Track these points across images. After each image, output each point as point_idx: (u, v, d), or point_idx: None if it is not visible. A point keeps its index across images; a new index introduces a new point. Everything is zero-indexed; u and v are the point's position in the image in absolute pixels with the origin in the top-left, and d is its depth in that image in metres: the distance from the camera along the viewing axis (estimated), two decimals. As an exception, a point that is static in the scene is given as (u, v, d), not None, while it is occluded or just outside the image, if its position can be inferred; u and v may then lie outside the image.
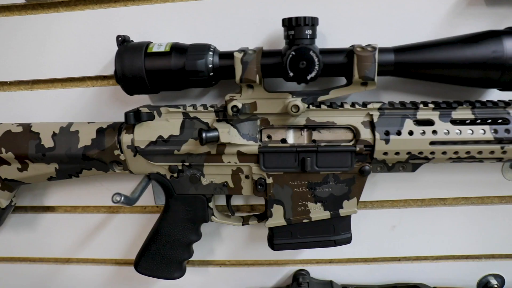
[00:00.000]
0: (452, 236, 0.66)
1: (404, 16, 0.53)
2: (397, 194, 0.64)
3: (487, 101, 0.50)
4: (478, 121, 0.50)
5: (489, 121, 0.50)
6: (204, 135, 0.48)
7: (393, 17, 0.53)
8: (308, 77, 0.46)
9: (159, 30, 0.56)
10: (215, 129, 0.49)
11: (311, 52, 0.45)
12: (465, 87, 0.52)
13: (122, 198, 0.48)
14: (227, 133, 0.49)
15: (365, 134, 0.49)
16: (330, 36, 0.54)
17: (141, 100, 0.59)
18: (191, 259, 0.62)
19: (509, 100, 0.50)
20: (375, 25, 0.54)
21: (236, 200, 0.65)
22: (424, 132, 0.48)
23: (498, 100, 0.50)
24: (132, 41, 0.53)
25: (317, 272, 0.68)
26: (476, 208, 0.64)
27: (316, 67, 0.45)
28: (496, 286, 0.67)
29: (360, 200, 0.63)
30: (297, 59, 0.45)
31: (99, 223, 0.68)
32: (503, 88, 0.49)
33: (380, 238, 0.66)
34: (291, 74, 0.46)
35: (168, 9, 0.56)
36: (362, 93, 0.56)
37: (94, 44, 0.58)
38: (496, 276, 0.68)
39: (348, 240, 0.56)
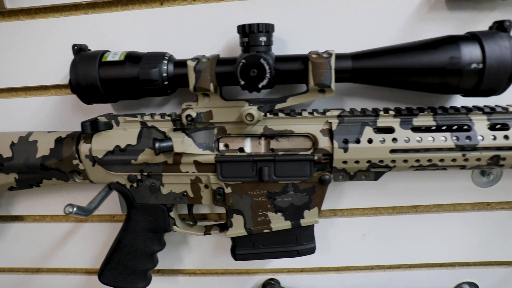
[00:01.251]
0: (425, 244, 0.65)
1: (367, 21, 0.52)
2: (367, 202, 0.63)
3: (450, 107, 0.49)
4: (442, 127, 0.49)
5: (453, 127, 0.49)
6: (157, 145, 0.47)
7: (355, 22, 0.52)
8: (260, 85, 0.45)
9: (119, 39, 0.56)
10: (169, 139, 0.48)
11: (261, 60, 0.44)
12: (431, 93, 0.51)
13: (75, 209, 0.47)
14: (180, 143, 0.48)
15: (324, 142, 0.48)
16: (291, 43, 0.53)
17: (104, 109, 0.58)
18: (161, 268, 0.61)
19: (473, 106, 0.49)
20: (337, 31, 0.53)
21: (204, 209, 0.64)
22: (384, 140, 0.47)
23: (461, 106, 0.49)
24: (89, 49, 0.52)
25: (288, 281, 0.67)
26: (448, 215, 0.63)
27: (268, 75, 0.44)
28: (471, 294, 0.65)
29: (330, 208, 0.63)
30: (248, 67, 0.44)
31: (68, 232, 0.67)
32: (465, 94, 0.48)
33: (351, 247, 0.64)
34: (242, 82, 0.45)
35: (128, 17, 0.55)
36: (325, 100, 0.55)
37: (56, 52, 0.57)
38: (471, 284, 0.66)
39: (311, 250, 0.54)
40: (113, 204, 0.64)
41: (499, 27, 0.46)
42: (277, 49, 0.52)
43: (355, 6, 0.52)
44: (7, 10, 0.56)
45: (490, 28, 0.47)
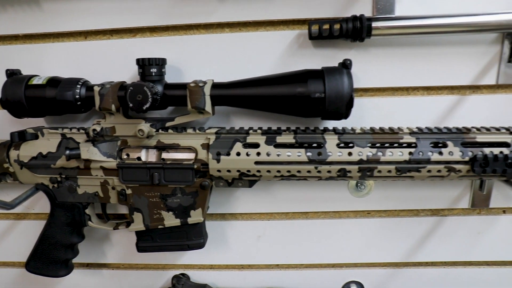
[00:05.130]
0: (315, 247, 0.74)
1: (248, 55, 0.64)
2: (263, 208, 0.73)
3: (307, 128, 0.60)
4: (304, 144, 0.59)
5: (305, 145, 0.59)
6: (67, 152, 0.59)
7: (238, 56, 0.64)
8: (144, 108, 0.56)
9: (50, 66, 0.67)
10: (78, 148, 0.59)
11: (145, 88, 0.56)
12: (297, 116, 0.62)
13: None
14: (86, 151, 0.59)
15: (202, 154, 0.59)
16: (186, 72, 0.65)
17: (37, 122, 0.69)
18: (90, 262, 0.72)
19: (334, 127, 0.60)
20: (223, 63, 0.65)
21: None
22: (249, 154, 0.58)
23: (316, 127, 0.60)
24: (21, 74, 0.64)
25: (198, 276, 0.77)
26: (334, 221, 0.73)
27: (150, 100, 0.56)
28: (356, 292, 0.75)
29: (231, 212, 0.73)
30: (134, 93, 0.56)
31: (7, 228, 0.78)
32: (322, 117, 0.59)
33: (248, 247, 0.74)
34: (131, 105, 0.56)
35: (58, 47, 0.67)
36: (216, 119, 0.66)
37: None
38: (357, 283, 0.76)
39: (200, 245, 0.64)
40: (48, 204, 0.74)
41: (343, 64, 0.57)
42: (174, 78, 0.64)
43: (240, 43, 0.64)
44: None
45: (340, 64, 0.58)
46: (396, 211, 0.72)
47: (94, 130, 0.60)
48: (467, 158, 0.55)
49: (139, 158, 0.62)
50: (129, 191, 0.62)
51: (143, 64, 0.58)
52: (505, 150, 0.55)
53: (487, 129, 0.58)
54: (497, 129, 0.57)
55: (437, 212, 0.72)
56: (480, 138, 0.57)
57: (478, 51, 0.62)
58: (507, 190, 0.67)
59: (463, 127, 0.58)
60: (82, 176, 0.63)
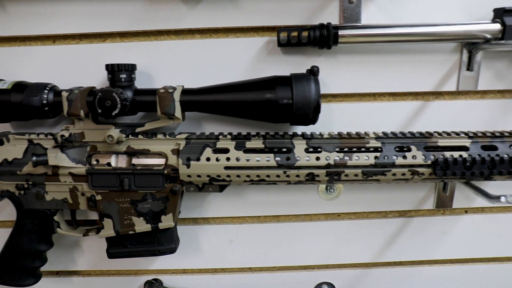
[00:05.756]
0: (287, 249, 0.75)
1: (218, 61, 0.65)
2: (235, 212, 0.73)
3: (276, 133, 0.61)
4: (274, 149, 0.60)
5: (281, 149, 0.60)
6: (34, 158, 0.58)
7: (208, 62, 0.65)
8: (113, 113, 0.56)
9: (17, 70, 0.66)
10: (45, 154, 0.58)
11: (114, 94, 0.55)
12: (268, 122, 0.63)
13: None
14: (54, 157, 0.58)
15: (172, 159, 0.60)
16: (157, 78, 0.65)
17: (3, 128, 0.68)
18: (60, 270, 0.70)
19: (303, 132, 0.62)
20: (194, 69, 0.65)
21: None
22: (219, 159, 0.59)
23: (284, 133, 0.61)
24: (-12, 78, 0.63)
25: (171, 281, 0.77)
26: (306, 224, 0.74)
27: (119, 105, 0.56)
28: (327, 293, 0.76)
29: (203, 216, 0.73)
30: (103, 99, 0.56)
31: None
32: (291, 123, 0.60)
33: (221, 251, 0.75)
34: (100, 110, 0.56)
35: (26, 52, 0.66)
36: (186, 125, 0.66)
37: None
38: (328, 284, 0.77)
39: (172, 250, 0.64)
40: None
41: (311, 71, 0.59)
42: (145, 83, 0.64)
43: (210, 50, 0.64)
44: None
45: (307, 71, 0.60)
46: (365, 213, 0.74)
47: (62, 136, 0.59)
48: (429, 162, 0.58)
49: (109, 164, 0.61)
50: (99, 197, 0.62)
51: (113, 69, 0.58)
52: (464, 154, 0.58)
53: (448, 134, 0.60)
54: (457, 134, 0.60)
55: (404, 214, 0.74)
56: (442, 142, 0.59)
57: (439, 59, 0.65)
58: (468, 191, 0.70)
59: (426, 132, 0.61)
60: (50, 183, 0.62)
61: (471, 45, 0.63)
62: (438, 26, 0.60)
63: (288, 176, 0.59)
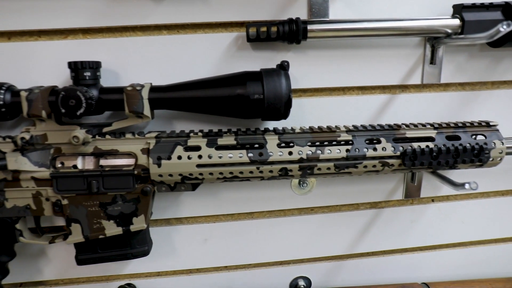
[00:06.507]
0: (262, 245, 0.75)
1: (187, 58, 0.63)
2: (208, 211, 0.72)
3: (248, 129, 0.61)
4: (246, 146, 0.60)
5: (253, 145, 0.60)
6: (-9, 163, 0.54)
7: (177, 58, 0.63)
8: (78, 113, 0.53)
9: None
10: (4, 158, 0.55)
11: (78, 92, 0.53)
12: (240, 118, 0.62)
13: None
14: (14, 161, 0.55)
15: (142, 159, 0.58)
16: (123, 75, 0.63)
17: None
18: (22, 281, 0.67)
19: (274, 127, 0.61)
20: (163, 66, 0.63)
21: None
22: (190, 157, 0.57)
23: (256, 128, 0.61)
24: None
25: (145, 285, 0.75)
26: (279, 219, 0.74)
27: (84, 104, 0.53)
28: (303, 286, 0.77)
29: (176, 217, 0.72)
30: (66, 98, 0.53)
31: None
32: (262, 118, 0.59)
33: (196, 251, 0.73)
34: (63, 110, 0.53)
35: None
36: (156, 123, 0.65)
37: None
38: (304, 278, 0.78)
39: (145, 253, 0.63)
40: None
41: (281, 66, 0.59)
42: (111, 81, 0.61)
43: (178, 46, 0.63)
44: None
45: (277, 65, 0.59)
46: (337, 206, 0.75)
47: (22, 138, 0.56)
48: (398, 153, 0.60)
49: (75, 166, 0.58)
50: (65, 202, 0.59)
51: (76, 67, 0.55)
52: (431, 144, 0.60)
53: (415, 125, 0.62)
54: (423, 125, 0.62)
55: (375, 205, 0.76)
56: (409, 133, 0.61)
57: (404, 53, 0.67)
58: (434, 180, 0.73)
59: (394, 124, 0.62)
60: (11, 189, 0.59)
61: (433, 39, 0.66)
62: (403, 21, 0.62)
63: (261, 172, 0.59)
